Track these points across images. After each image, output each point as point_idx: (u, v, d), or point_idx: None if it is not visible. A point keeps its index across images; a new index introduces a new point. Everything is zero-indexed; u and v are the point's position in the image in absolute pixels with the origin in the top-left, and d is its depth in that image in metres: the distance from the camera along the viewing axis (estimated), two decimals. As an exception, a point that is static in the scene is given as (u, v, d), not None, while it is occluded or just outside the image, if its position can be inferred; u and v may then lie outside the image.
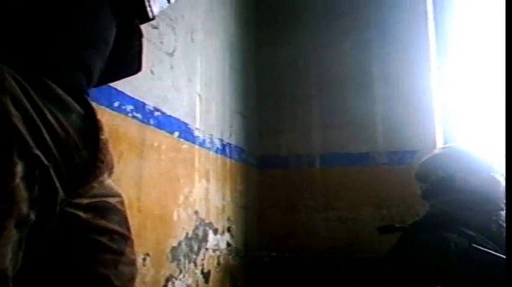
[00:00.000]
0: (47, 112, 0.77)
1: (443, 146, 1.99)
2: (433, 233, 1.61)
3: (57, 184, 0.77)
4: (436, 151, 1.93)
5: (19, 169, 0.70)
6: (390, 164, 2.67)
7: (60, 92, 0.81)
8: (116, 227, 0.92)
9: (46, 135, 0.76)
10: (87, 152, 0.85)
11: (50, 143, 0.76)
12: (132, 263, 0.94)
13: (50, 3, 0.81)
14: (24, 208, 0.70)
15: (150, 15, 0.99)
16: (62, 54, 0.84)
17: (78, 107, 0.85)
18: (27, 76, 0.76)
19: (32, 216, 0.73)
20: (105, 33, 0.94)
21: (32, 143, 0.72)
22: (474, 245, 1.50)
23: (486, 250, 1.47)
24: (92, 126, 0.87)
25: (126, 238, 0.93)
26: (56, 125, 0.78)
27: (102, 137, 0.89)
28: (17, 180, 0.69)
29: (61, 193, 0.79)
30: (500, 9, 2.32)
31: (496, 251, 1.50)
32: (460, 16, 2.85)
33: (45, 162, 0.74)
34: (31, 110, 0.74)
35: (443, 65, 2.80)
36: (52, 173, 0.76)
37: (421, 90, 2.71)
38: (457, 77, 2.79)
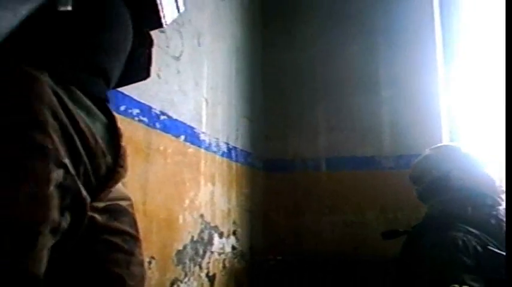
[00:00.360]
0: (80, 121, 0.79)
1: (434, 146, 1.99)
2: (438, 234, 1.61)
3: (84, 193, 0.80)
4: (428, 152, 1.93)
5: (54, 176, 0.72)
6: (396, 168, 2.67)
7: (87, 100, 0.84)
8: (128, 229, 0.95)
9: (78, 143, 0.78)
10: (111, 158, 0.88)
11: (82, 151, 0.79)
12: (141, 263, 0.97)
13: (82, 13, 0.83)
14: (57, 215, 0.72)
15: (164, 24, 1.01)
16: (89, 64, 0.87)
17: (101, 115, 0.88)
18: (61, 85, 0.79)
19: (64, 224, 0.75)
20: (126, 42, 0.97)
21: (62, 152, 0.74)
22: (490, 247, 1.51)
23: (500, 252, 1.48)
24: (113, 134, 0.90)
25: (136, 239, 0.97)
26: (87, 133, 0.81)
27: (123, 143, 0.92)
28: (51, 187, 0.71)
29: (88, 200, 0.81)
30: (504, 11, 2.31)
31: (497, 249, 1.51)
32: (467, 19, 2.84)
33: (72, 171, 0.76)
34: (66, 120, 0.76)
35: (450, 69, 2.80)
36: (78, 181, 0.78)
37: (428, 94, 2.70)
38: (463, 80, 2.78)
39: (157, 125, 1.80)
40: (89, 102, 0.84)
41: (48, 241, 0.71)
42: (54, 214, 0.72)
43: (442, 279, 1.46)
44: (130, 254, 0.93)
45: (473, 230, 1.59)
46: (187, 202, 1.99)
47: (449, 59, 2.80)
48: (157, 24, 1.01)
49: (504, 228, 1.62)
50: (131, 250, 0.93)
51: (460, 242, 1.54)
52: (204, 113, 2.20)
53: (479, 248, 1.53)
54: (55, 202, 0.72)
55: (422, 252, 1.62)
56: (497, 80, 2.63)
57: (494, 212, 1.67)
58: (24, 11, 0.71)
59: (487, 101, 2.72)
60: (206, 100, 2.22)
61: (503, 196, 1.73)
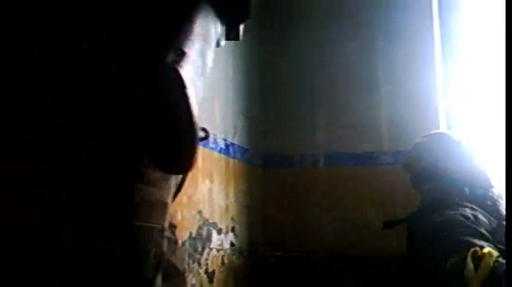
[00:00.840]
0: None
1: (425, 134, 2.02)
2: (445, 212, 1.62)
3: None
4: (419, 140, 1.97)
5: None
6: (395, 164, 2.66)
7: None
8: (172, 221, 1.04)
9: None
10: None
11: None
12: (180, 248, 1.07)
13: None
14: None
15: (240, 37, 1.01)
16: None
17: None
18: None
19: None
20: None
21: None
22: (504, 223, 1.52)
23: None
24: None
25: (175, 227, 1.05)
26: None
27: None
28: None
29: None
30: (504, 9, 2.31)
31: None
32: (466, 16, 2.84)
33: None
34: None
35: (448, 65, 2.79)
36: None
37: (426, 90, 2.70)
38: (462, 76, 2.78)
39: (155, 121, 1.79)
40: None
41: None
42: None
43: (459, 246, 1.45)
44: (176, 242, 1.01)
45: (476, 208, 1.60)
46: (185, 198, 1.98)
47: (447, 56, 2.80)
48: (236, 37, 1.01)
49: (500, 206, 1.63)
50: (176, 238, 1.02)
51: (471, 216, 1.56)
52: (201, 109, 2.19)
53: (487, 222, 1.54)
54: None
55: (434, 229, 1.61)
56: (496, 77, 2.62)
57: (490, 193, 1.69)
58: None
59: (485, 97, 2.72)
60: (203, 97, 2.22)
61: (493, 189, 1.74)
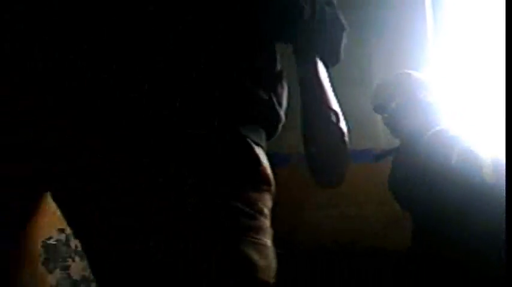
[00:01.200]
0: None
1: (392, 75, 2.10)
2: (431, 131, 1.71)
3: None
4: (382, 80, 2.09)
5: None
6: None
7: None
8: None
9: None
10: None
11: None
12: None
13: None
14: None
15: None
16: None
17: None
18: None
19: None
20: None
21: None
22: None
23: None
24: None
25: None
26: None
27: None
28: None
29: None
30: (499, 7, 2.32)
31: None
32: (459, 11, 2.85)
33: None
34: None
35: (442, 61, 2.80)
36: None
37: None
38: (456, 72, 2.79)
39: (152, 121, 1.79)
40: None
41: None
42: None
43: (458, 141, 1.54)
44: None
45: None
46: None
47: (441, 52, 2.81)
48: None
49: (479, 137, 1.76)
50: None
51: (459, 130, 1.68)
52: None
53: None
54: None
55: (429, 141, 1.71)
56: (491, 69, 2.63)
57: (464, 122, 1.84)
58: None
59: (480, 91, 2.73)
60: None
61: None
